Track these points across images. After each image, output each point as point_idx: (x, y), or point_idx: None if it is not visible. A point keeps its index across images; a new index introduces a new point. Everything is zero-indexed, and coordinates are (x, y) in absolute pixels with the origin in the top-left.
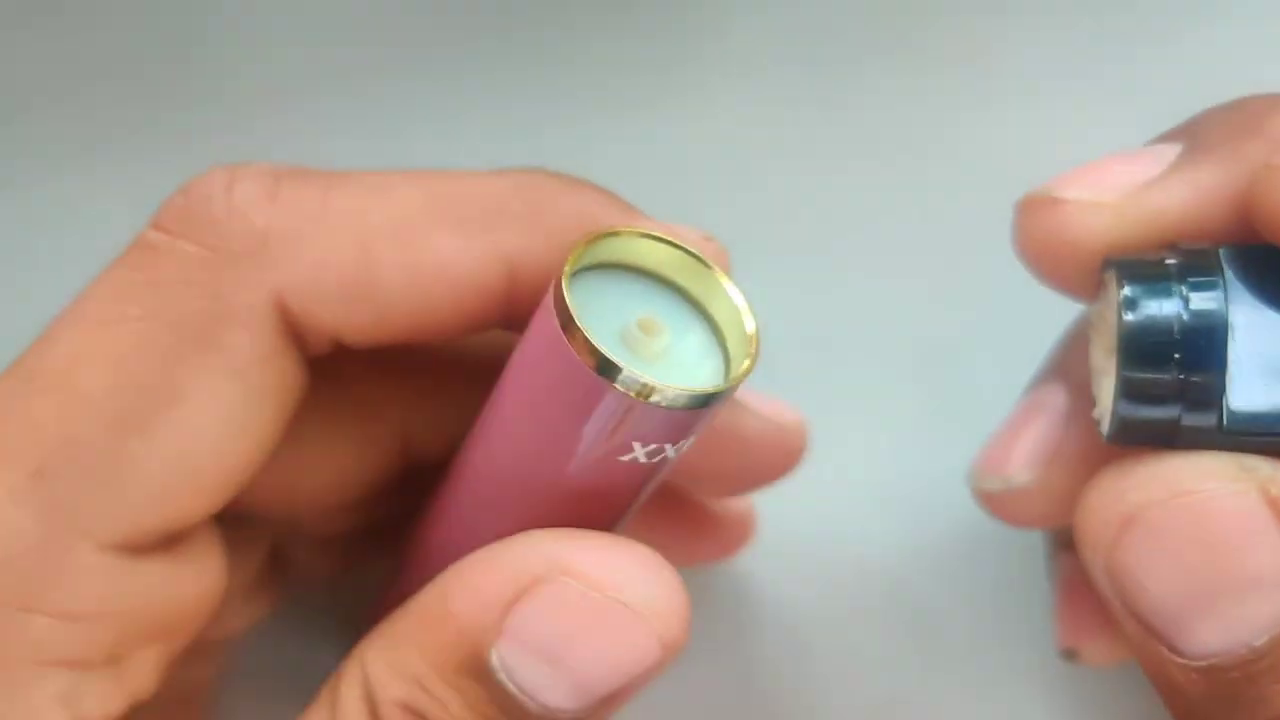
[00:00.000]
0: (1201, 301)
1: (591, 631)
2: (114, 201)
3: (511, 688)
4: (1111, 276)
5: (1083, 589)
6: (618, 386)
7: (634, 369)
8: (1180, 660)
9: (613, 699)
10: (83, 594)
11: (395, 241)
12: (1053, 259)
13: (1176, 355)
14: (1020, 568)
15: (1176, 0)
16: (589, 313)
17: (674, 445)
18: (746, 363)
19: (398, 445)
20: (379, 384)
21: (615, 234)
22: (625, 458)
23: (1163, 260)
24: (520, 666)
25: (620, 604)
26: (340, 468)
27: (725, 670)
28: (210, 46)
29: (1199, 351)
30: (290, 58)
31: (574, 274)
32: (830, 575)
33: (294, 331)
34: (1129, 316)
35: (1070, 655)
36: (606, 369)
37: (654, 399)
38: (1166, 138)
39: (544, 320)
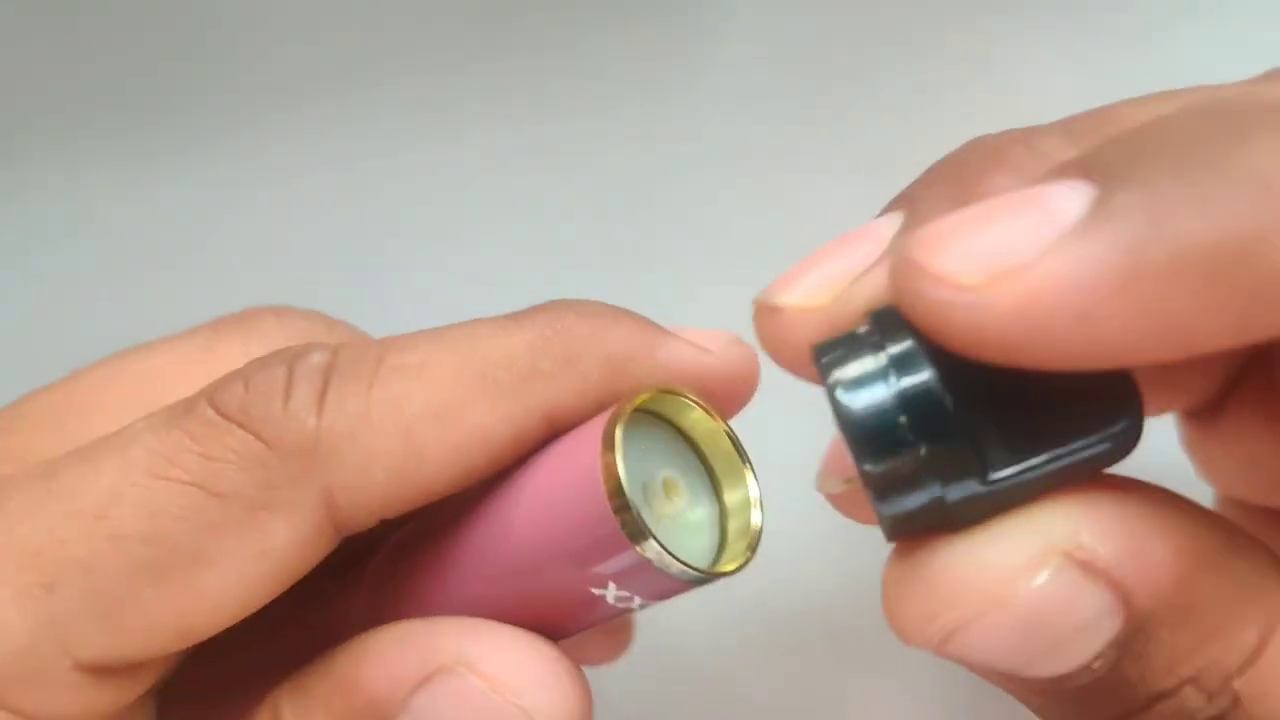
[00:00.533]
0: (905, 366)
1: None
2: (114, 201)
3: None
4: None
5: None
6: (637, 549)
7: (656, 538)
8: (1026, 684)
9: None
10: (46, 702)
11: (438, 424)
12: (789, 363)
13: (905, 432)
14: None
15: (1176, 0)
16: (625, 457)
17: (644, 601)
18: (747, 555)
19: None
20: None
21: (670, 395)
22: (597, 592)
23: (856, 334)
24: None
25: (517, 708)
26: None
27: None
28: (210, 47)
29: (924, 418)
30: (290, 58)
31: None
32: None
33: (337, 520)
34: (843, 410)
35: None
36: (636, 534)
37: (660, 565)
38: (890, 207)
39: (582, 454)
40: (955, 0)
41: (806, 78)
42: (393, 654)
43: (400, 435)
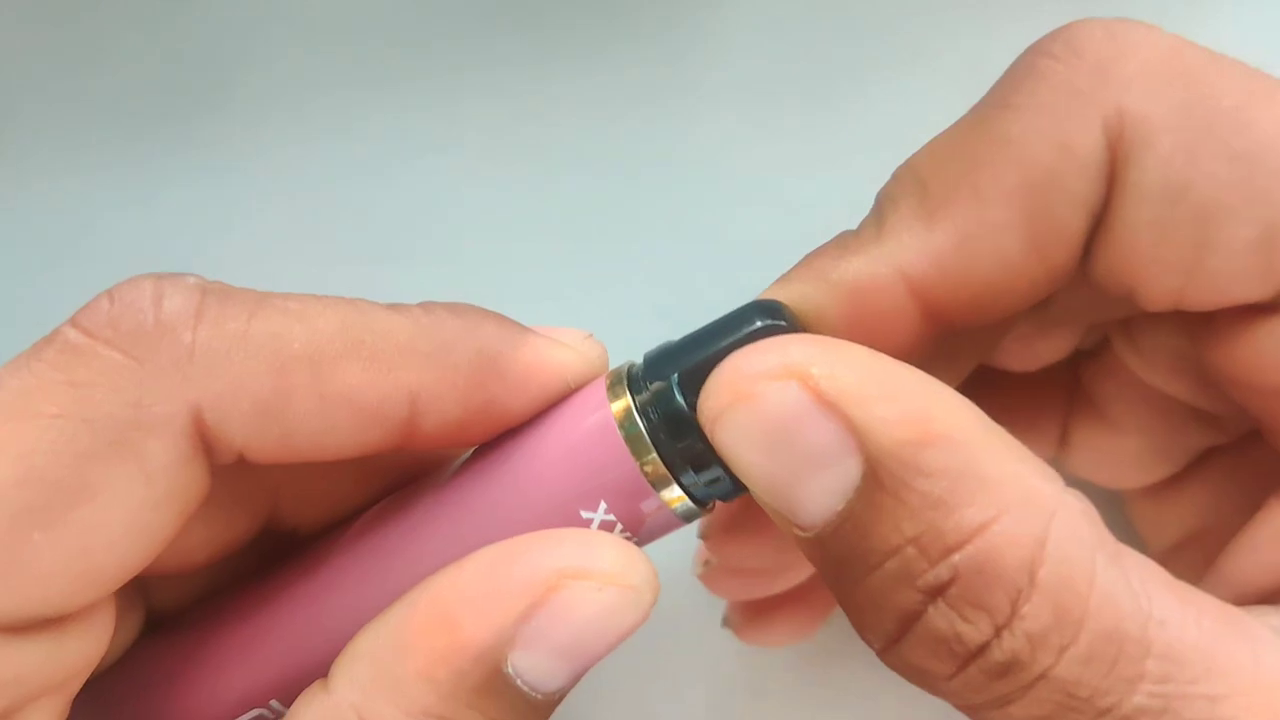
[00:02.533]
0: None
1: (603, 621)
2: (115, 203)
3: (522, 687)
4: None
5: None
6: (662, 496)
7: (679, 481)
8: (800, 534)
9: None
10: None
11: (311, 369)
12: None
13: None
14: None
15: (1177, 0)
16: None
17: (626, 532)
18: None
19: (263, 516)
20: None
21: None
22: (585, 514)
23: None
24: (533, 669)
25: (629, 588)
26: (210, 537)
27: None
28: (212, 49)
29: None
30: (290, 59)
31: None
32: None
33: (205, 443)
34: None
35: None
36: (659, 482)
37: (672, 506)
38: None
39: (591, 410)
40: (955, 0)
41: (806, 77)
42: (487, 600)
43: (273, 370)
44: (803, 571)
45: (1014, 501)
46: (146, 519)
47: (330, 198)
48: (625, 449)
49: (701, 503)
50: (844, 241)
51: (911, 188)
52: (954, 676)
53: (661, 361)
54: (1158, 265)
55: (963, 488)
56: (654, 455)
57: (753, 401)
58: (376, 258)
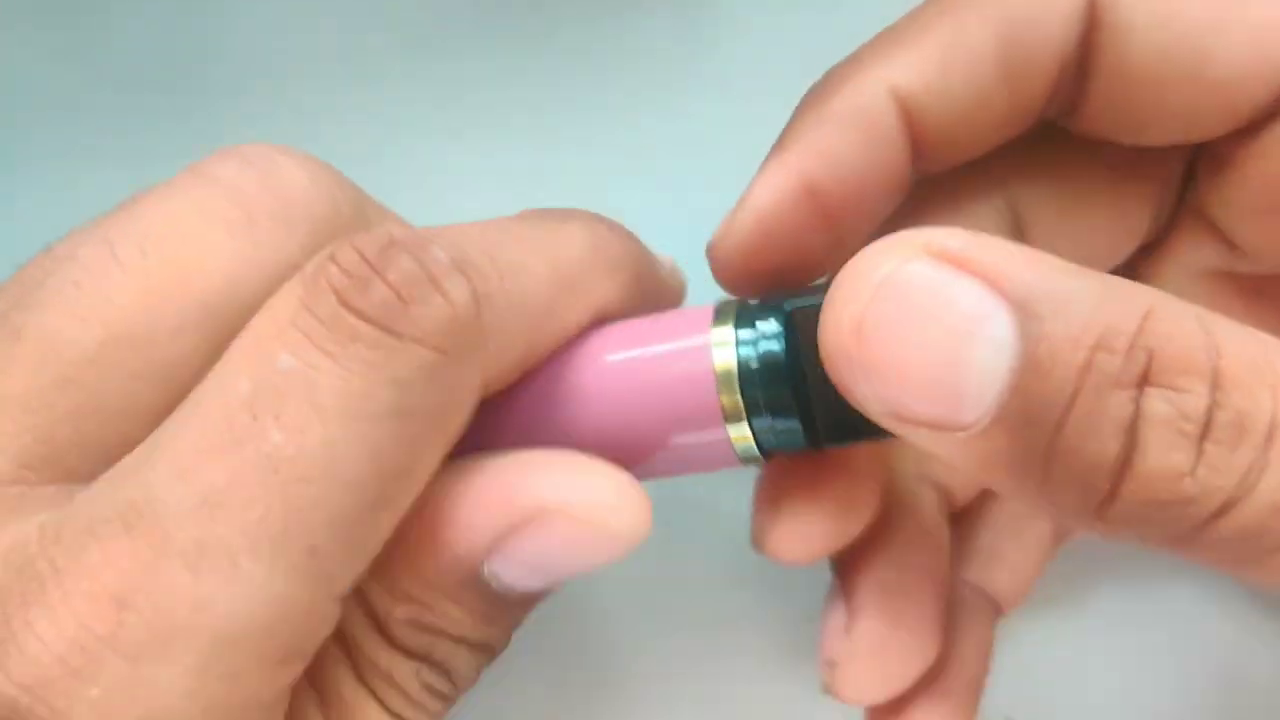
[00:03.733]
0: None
1: (576, 551)
2: (113, 201)
3: (498, 585)
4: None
5: None
6: (733, 438)
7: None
8: (966, 434)
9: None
10: (320, 638)
11: (548, 318)
12: (725, 285)
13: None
14: None
15: None
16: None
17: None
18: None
19: None
20: None
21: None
22: (670, 441)
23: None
24: (508, 572)
25: (604, 530)
26: None
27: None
28: (210, 46)
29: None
30: (290, 58)
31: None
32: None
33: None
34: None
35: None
36: (734, 419)
37: (737, 448)
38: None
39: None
40: None
41: (805, 76)
42: (472, 514)
43: (526, 329)
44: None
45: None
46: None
47: None
48: (713, 377)
49: (764, 450)
50: (820, 82)
51: (904, 21)
52: (1196, 467)
53: (773, 299)
54: (1161, 90)
55: (1115, 287)
56: (737, 389)
57: (893, 287)
58: None
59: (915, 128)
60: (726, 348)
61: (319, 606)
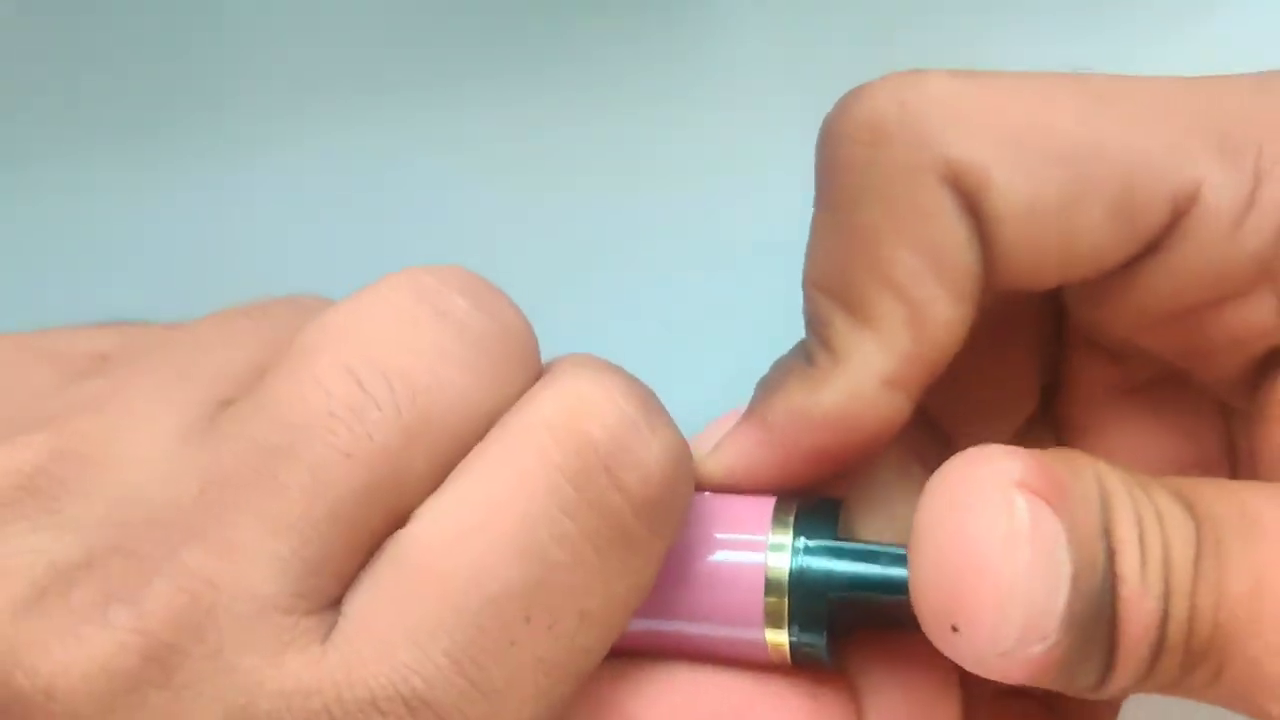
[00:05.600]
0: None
1: None
2: (116, 205)
3: None
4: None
5: None
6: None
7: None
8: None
9: None
10: None
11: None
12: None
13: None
14: None
15: (1175, 3)
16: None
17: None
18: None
19: None
20: None
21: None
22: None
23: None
24: None
25: None
26: None
27: None
28: (211, 47)
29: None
30: (291, 60)
31: None
32: None
33: None
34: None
35: None
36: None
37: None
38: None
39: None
40: (953, 0)
41: (804, 77)
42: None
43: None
44: None
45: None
46: None
47: (331, 200)
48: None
49: (801, 656)
50: (805, 375)
51: (832, 309)
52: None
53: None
54: (1036, 261)
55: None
56: (784, 603)
57: (1002, 532)
58: (382, 260)
59: (907, 390)
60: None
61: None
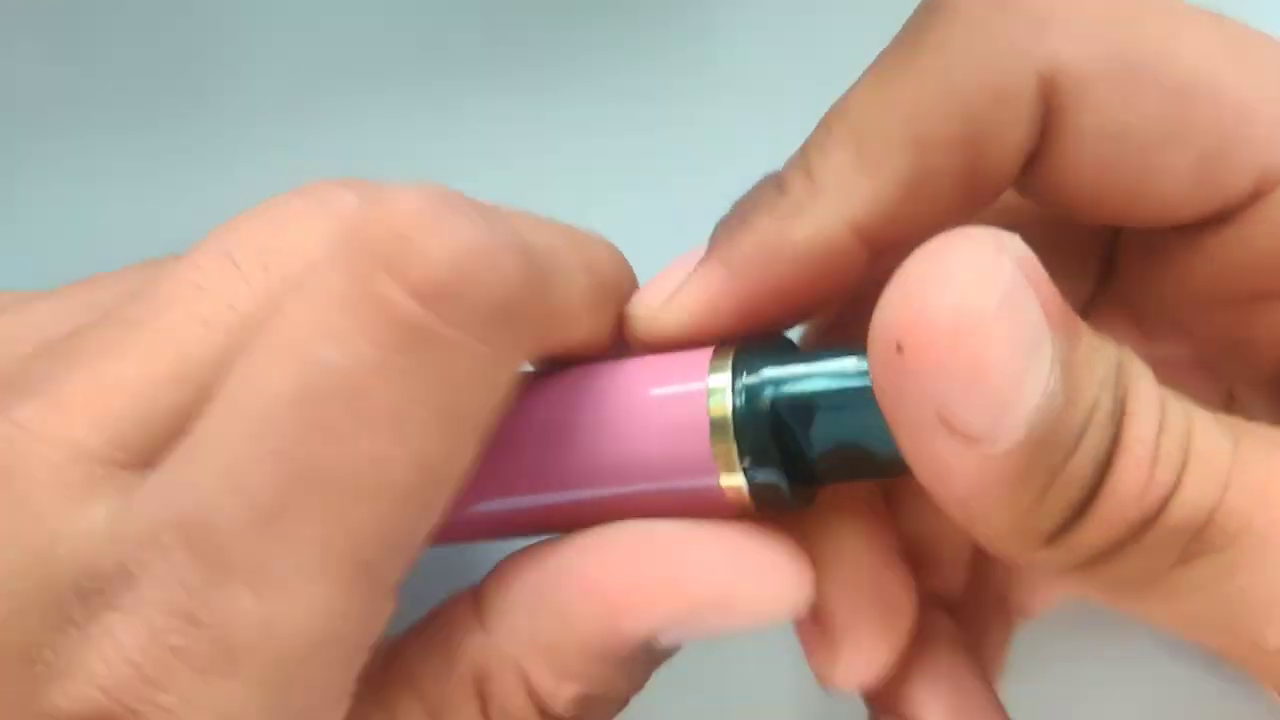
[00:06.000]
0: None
1: (744, 626)
2: (117, 204)
3: (656, 648)
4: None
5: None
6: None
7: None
8: (997, 449)
9: None
10: (379, 632)
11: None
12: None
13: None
14: None
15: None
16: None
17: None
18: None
19: None
20: None
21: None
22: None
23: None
24: (670, 640)
25: (775, 614)
26: None
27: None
28: (212, 47)
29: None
30: (291, 60)
31: None
32: None
33: None
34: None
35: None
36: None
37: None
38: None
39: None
40: None
41: (804, 77)
42: (648, 601)
43: (563, 333)
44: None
45: None
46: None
47: None
48: (708, 431)
49: (763, 499)
50: (773, 202)
51: (846, 138)
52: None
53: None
54: (1102, 190)
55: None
56: (732, 441)
57: (983, 283)
58: None
59: (873, 247)
60: (720, 394)
61: (376, 608)
